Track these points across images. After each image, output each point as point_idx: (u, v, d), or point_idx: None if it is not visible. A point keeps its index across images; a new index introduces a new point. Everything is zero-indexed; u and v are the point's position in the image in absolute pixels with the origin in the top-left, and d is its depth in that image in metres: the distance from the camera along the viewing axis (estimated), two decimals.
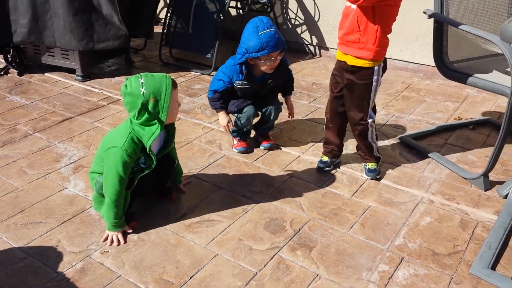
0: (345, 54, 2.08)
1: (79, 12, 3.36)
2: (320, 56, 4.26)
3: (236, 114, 2.53)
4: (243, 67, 2.34)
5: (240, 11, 4.53)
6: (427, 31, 3.58)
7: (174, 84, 1.83)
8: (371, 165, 2.33)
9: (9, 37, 3.57)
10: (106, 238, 1.89)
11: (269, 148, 2.63)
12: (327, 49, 4.22)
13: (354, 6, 1.95)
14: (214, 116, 3.05)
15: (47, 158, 2.51)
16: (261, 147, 2.64)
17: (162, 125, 1.81)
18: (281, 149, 2.64)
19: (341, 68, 2.14)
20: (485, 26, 2.45)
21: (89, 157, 2.52)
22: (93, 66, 3.75)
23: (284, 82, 2.56)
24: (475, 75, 2.28)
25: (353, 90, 2.15)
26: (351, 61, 2.07)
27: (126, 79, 1.80)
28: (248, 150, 2.60)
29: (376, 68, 2.08)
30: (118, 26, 3.46)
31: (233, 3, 4.26)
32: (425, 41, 3.64)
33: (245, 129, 2.56)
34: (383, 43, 2.03)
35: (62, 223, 2.00)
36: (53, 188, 2.24)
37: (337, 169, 2.44)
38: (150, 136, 1.79)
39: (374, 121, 2.23)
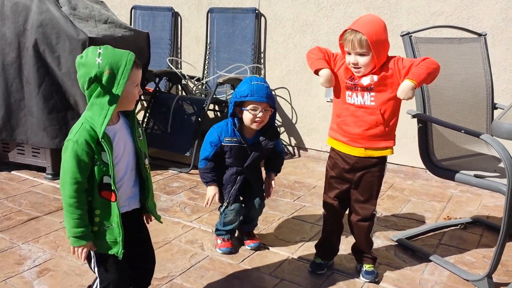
0: (367, 148, 2.02)
1: (54, 111, 3.28)
2: (299, 156, 4.25)
3: (222, 211, 2.38)
4: (235, 120, 2.25)
5: (218, 113, 4.57)
6: (404, 133, 3.65)
7: (137, 64, 1.58)
8: (368, 267, 2.17)
9: None
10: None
11: (256, 248, 2.44)
12: (305, 149, 4.23)
13: (373, 103, 1.97)
14: (194, 214, 2.87)
15: (9, 260, 2.23)
16: (247, 247, 2.45)
17: (115, 103, 1.52)
18: (268, 249, 2.45)
19: (354, 165, 2.06)
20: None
21: (56, 259, 2.26)
22: None
23: (271, 156, 2.40)
24: (467, 172, 2.25)
25: (368, 184, 2.08)
26: (375, 153, 2.04)
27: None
28: (233, 251, 2.40)
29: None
30: None
31: (211, 106, 4.31)
32: (402, 143, 3.69)
33: (231, 226, 2.39)
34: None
35: None
36: None
37: (331, 271, 2.25)
38: (103, 119, 1.51)
39: None
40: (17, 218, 2.70)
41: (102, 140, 1.52)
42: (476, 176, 2.19)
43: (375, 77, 1.95)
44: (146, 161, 1.71)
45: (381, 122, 1.98)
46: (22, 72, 3.29)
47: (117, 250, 1.60)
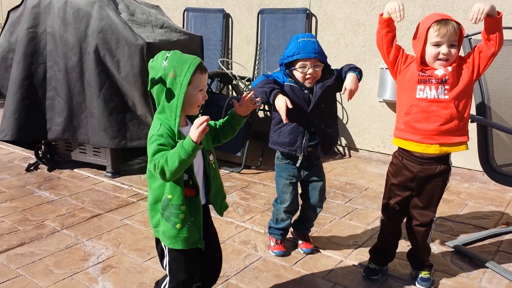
0: (442, 145, 1.95)
1: (114, 112, 3.43)
2: (350, 156, 4.22)
3: (276, 204, 2.41)
4: (286, 71, 2.21)
5: (268, 113, 4.61)
6: None
7: (202, 68, 1.62)
8: (424, 274, 2.14)
9: (43, 135, 3.64)
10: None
11: (309, 253, 2.46)
12: (356, 150, 4.20)
13: (447, 97, 1.91)
14: (246, 214, 2.93)
15: (75, 256, 2.38)
16: (300, 251, 2.47)
17: (180, 105, 1.58)
18: (320, 252, 2.47)
19: (418, 174, 2.02)
20: None
21: (118, 256, 2.38)
22: (123, 163, 3.74)
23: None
24: None
25: (430, 192, 2.05)
26: (451, 149, 1.97)
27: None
28: (285, 254, 2.44)
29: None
30: None
31: (261, 106, 4.35)
32: None
33: (284, 224, 2.42)
34: None
35: None
36: None
37: (386, 277, 2.24)
38: (174, 120, 1.58)
39: None
40: (81, 215, 2.86)
41: (179, 139, 1.58)
42: None
43: (449, 68, 1.90)
44: (211, 157, 1.77)
45: (456, 116, 1.92)
46: (83, 76, 3.45)
47: (198, 243, 1.66)
